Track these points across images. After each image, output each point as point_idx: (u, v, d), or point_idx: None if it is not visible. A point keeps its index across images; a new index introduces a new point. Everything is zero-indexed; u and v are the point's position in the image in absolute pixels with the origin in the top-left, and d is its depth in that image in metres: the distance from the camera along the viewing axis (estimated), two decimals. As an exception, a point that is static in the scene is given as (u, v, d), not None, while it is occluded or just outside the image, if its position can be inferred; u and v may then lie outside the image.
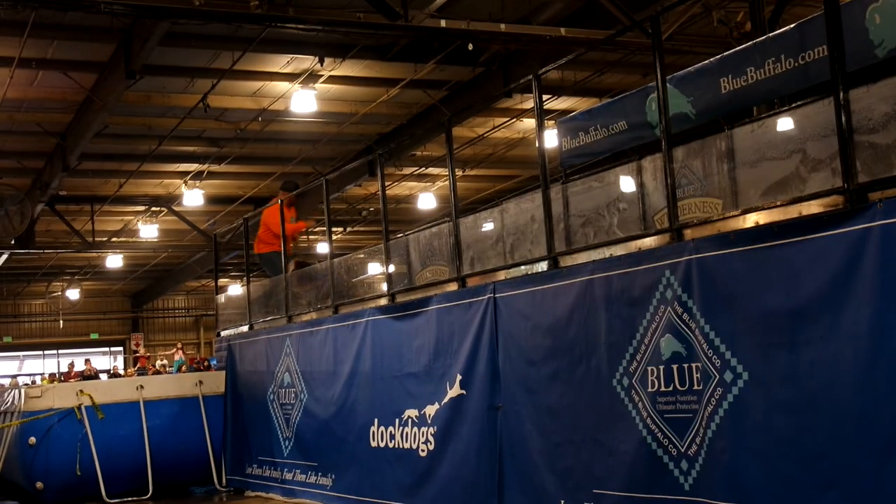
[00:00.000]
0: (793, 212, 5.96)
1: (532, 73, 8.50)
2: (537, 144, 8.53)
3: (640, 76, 16.28)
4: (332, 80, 16.79)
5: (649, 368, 6.86)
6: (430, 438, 9.36)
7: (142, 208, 26.18)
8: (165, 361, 31.55)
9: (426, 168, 22.69)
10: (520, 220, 9.62)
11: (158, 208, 25.76)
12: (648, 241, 7.21)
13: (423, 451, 9.47)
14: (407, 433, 9.75)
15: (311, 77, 16.40)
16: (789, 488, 5.76)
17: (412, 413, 9.68)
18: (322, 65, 15.47)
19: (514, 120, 19.42)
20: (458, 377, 9.01)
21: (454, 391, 9.05)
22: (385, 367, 10.27)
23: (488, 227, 10.19)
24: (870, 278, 5.27)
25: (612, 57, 15.32)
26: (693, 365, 6.49)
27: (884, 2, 7.02)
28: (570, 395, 7.66)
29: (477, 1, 13.56)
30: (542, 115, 8.45)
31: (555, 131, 10.98)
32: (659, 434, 6.75)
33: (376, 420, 10.32)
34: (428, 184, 24.73)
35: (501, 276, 8.85)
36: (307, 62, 15.88)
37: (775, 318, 5.89)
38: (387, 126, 20.16)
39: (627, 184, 8.96)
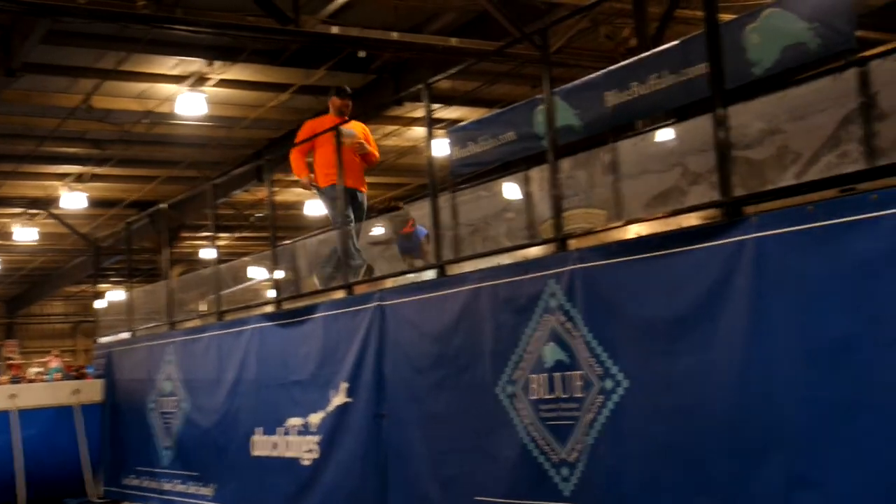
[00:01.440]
0: (673, 224, 6.11)
1: (423, 81, 8.52)
2: (427, 153, 8.55)
3: (530, 87, 16.47)
4: (222, 83, 16.54)
5: (532, 376, 6.93)
6: (314, 447, 9.27)
7: (18, 210, 25.31)
8: (41, 369, 30.52)
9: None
10: (408, 229, 9.63)
11: (36, 211, 24.94)
12: (534, 251, 7.29)
13: (306, 459, 9.37)
14: (290, 442, 9.64)
15: (199, 80, 16.13)
16: (666, 493, 5.89)
17: (296, 421, 9.57)
18: (211, 67, 15.24)
19: (405, 128, 19.45)
20: (344, 385, 8.95)
21: (339, 399, 8.99)
22: (270, 375, 10.14)
23: (376, 233, 10.18)
24: (744, 289, 5.42)
25: (502, 68, 15.48)
26: (575, 373, 6.58)
27: (761, 22, 7.26)
28: (455, 403, 7.69)
29: (370, 9, 13.55)
30: (431, 123, 8.49)
31: (445, 140, 11.03)
32: (540, 441, 6.82)
33: (259, 429, 10.17)
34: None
35: (389, 283, 8.84)
36: (196, 64, 15.61)
37: (655, 326, 6.02)
38: (277, 131, 19.95)
39: (515, 193, 9.06)
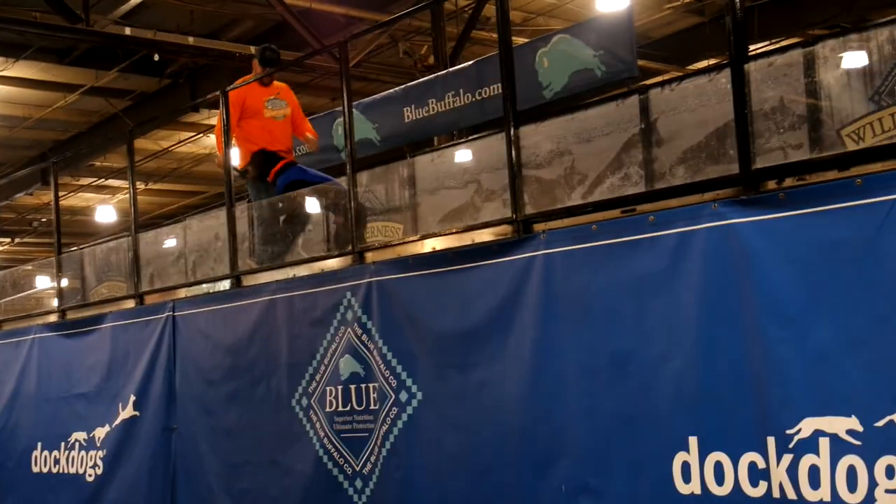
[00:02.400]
0: (467, 239, 6.27)
1: (220, 88, 8.40)
2: (223, 161, 8.43)
3: (329, 100, 16.50)
4: (4, 80, 15.72)
5: (328, 388, 6.95)
6: (99, 462, 8.95)
7: None
8: None
9: (106, 179, 21.75)
10: (203, 238, 9.47)
11: None
12: (332, 263, 7.32)
13: (90, 475, 9.03)
14: (74, 457, 9.26)
15: (-21, 76, 15.28)
16: (457, 503, 6.03)
17: (80, 436, 9.21)
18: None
19: (201, 135, 19.06)
20: (132, 398, 8.69)
21: (127, 413, 8.72)
22: (52, 387, 9.72)
23: (170, 243, 9.94)
24: (532, 304, 5.63)
25: (301, 79, 15.42)
26: (370, 385, 6.65)
27: (552, 48, 7.60)
28: (249, 416, 7.60)
29: (165, 12, 13.22)
30: (229, 131, 8.37)
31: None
32: (335, 453, 6.84)
33: (40, 444, 9.72)
34: (107, 196, 23.68)
35: (182, 293, 8.66)
36: (-25, 59, 14.78)
37: (449, 340, 6.15)
38: (64, 133, 19.12)
39: (313, 205, 9.06)
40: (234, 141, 8.33)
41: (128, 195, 15.46)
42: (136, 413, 8.66)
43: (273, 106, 8.44)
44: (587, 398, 5.29)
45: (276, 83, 8.66)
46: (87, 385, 9.27)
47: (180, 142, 19.21)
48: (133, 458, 8.64)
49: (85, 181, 21.93)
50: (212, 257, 9.27)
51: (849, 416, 4.26)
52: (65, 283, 10.49)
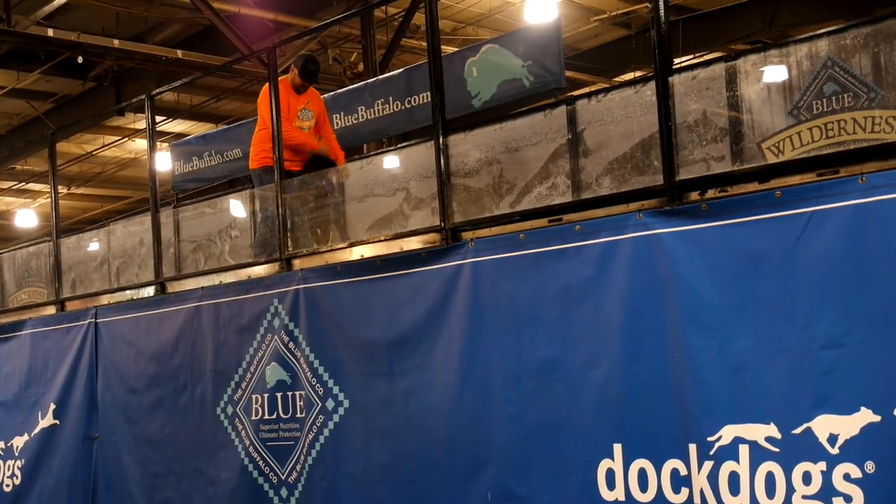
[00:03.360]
0: (395, 246, 6.27)
1: (146, 92, 8.30)
2: (148, 166, 8.33)
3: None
4: (-80, 80, 15.32)
5: (254, 396, 6.89)
6: (17, 472, 8.74)
7: None
8: None
9: (26, 183, 21.28)
10: (127, 243, 9.32)
11: None
12: (259, 270, 7.26)
13: (7, 485, 8.82)
14: (-9, 468, 9.04)
15: None
16: (383, 511, 6.02)
17: (-2, 446, 9.00)
18: None
19: (126, 139, 18.75)
20: (52, 406, 8.52)
21: (46, 421, 8.54)
22: (-31, 396, 9.47)
23: (93, 248, 9.76)
24: (460, 312, 5.65)
25: (230, 84, 15.29)
26: (297, 393, 6.61)
27: (480, 57, 7.65)
28: (173, 425, 7.50)
29: (90, 13, 13.00)
30: (154, 136, 8.27)
31: (168, 154, 10.77)
32: (260, 462, 6.78)
33: (-44, 454, 9.47)
34: (28, 200, 23.17)
35: (105, 300, 8.51)
36: None
37: (376, 347, 6.15)
38: (-17, 135, 18.68)
39: (240, 211, 8.97)
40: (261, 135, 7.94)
41: (49, 199, 15.18)
42: (56, 422, 8.48)
43: (303, 116, 8.09)
44: (513, 406, 5.33)
45: (309, 90, 8.22)
46: (5, 393, 9.07)
47: (105, 146, 18.89)
48: (53, 467, 8.46)
49: (4, 185, 21.45)
50: (136, 263, 9.13)
51: (767, 423, 4.36)
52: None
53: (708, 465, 4.52)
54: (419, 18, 12.43)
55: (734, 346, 4.49)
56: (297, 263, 6.89)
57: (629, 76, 15.09)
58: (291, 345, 6.67)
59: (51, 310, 9.01)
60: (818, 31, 5.74)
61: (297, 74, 8.00)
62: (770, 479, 4.35)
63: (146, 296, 8.09)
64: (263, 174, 8.05)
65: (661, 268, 4.76)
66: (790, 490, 4.29)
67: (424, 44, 7.26)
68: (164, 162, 10.68)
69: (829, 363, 4.23)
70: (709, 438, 4.52)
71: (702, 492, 4.53)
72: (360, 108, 8.57)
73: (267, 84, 7.54)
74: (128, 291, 8.43)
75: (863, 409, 4.13)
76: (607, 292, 4.97)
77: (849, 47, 5.33)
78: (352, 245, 6.68)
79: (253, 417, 6.87)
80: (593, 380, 4.98)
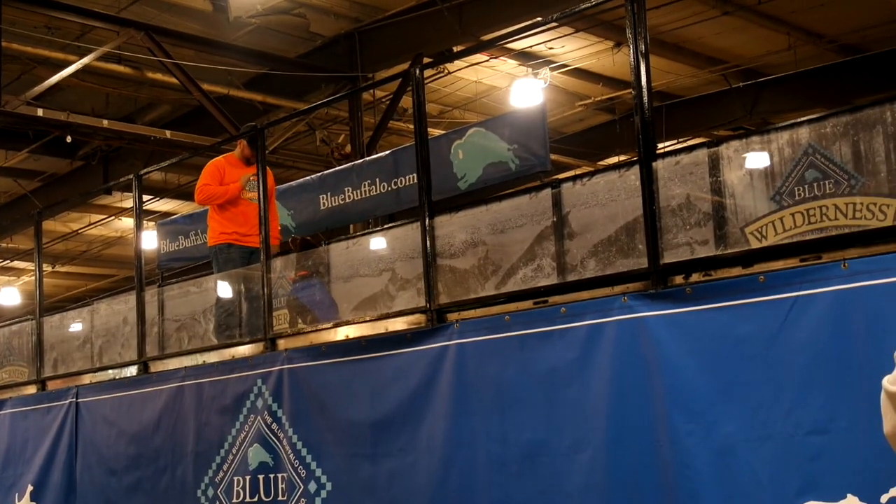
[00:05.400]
0: (380, 327, 6.26)
1: (134, 171, 8.34)
2: (135, 245, 8.33)
3: (245, 185, 16.45)
4: None
5: (236, 478, 6.79)
6: (-8, 556, 8.56)
7: None
8: None
9: (11, 261, 21.23)
10: (111, 322, 9.28)
11: None
12: (243, 350, 7.22)
13: (-18, 570, 8.63)
14: (-36, 551, 8.85)
15: None
16: None
17: (-27, 528, 8.82)
18: None
19: (113, 218, 18.78)
20: (30, 488, 8.37)
21: (23, 503, 8.39)
22: (-55, 476, 9.31)
23: (76, 327, 9.71)
24: (444, 394, 5.62)
25: (217, 164, 15.37)
26: (279, 475, 6.53)
27: (467, 140, 7.74)
28: (152, 507, 7.38)
29: (79, 94, 13.12)
30: (141, 215, 8.29)
31: (154, 232, 10.78)
32: (241, 546, 6.67)
33: (-71, 537, 9.27)
34: (12, 277, 23.08)
35: (87, 379, 8.44)
36: None
37: (360, 429, 6.09)
38: (-31, 213, 18.67)
39: (225, 290, 8.96)
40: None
41: (33, 277, 15.11)
42: (33, 504, 8.34)
43: (250, 188, 8.04)
44: (498, 489, 5.27)
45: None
46: (-18, 474, 8.92)
47: (91, 224, 18.90)
48: (28, 551, 8.29)
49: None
50: (119, 342, 9.08)
51: (754, 508, 4.32)
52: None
53: (694, 550, 4.47)
54: (406, 101, 12.60)
55: (720, 431, 4.46)
56: (282, 343, 6.86)
57: (614, 160, 15.28)
58: (274, 426, 6.61)
59: (32, 389, 8.91)
60: (799, 119, 5.84)
61: (247, 145, 8.06)
62: (757, 565, 4.30)
63: (128, 375, 8.02)
64: (219, 252, 8.14)
65: (647, 351, 4.76)
66: (778, 577, 4.24)
67: (411, 126, 7.35)
68: (150, 240, 10.68)
69: (815, 449, 4.21)
70: (695, 523, 4.47)
71: (688, 579, 4.47)
72: (346, 189, 8.63)
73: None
74: (110, 371, 8.36)
75: (849, 496, 4.10)
76: (592, 375, 4.95)
77: (829, 135, 5.42)
78: (336, 325, 6.67)
79: (234, 500, 6.77)
80: (579, 463, 4.94)
